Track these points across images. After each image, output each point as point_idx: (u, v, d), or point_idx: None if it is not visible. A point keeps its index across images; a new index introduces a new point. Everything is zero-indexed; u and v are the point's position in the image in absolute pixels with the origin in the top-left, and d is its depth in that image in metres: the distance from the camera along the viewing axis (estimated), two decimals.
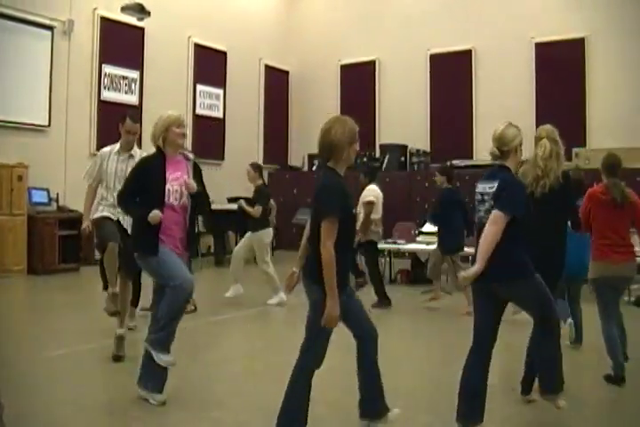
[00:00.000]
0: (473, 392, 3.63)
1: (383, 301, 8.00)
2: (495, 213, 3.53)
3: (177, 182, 4.26)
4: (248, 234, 8.17)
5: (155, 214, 4.10)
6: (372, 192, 8.19)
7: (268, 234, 8.19)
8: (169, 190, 4.23)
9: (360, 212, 7.79)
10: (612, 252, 4.73)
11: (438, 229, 8.04)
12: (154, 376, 4.19)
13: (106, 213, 5.47)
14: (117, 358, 5.16)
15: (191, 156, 4.61)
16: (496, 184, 3.63)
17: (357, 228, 7.34)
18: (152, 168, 4.26)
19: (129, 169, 5.08)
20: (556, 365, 3.81)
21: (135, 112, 5.62)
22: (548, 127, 4.36)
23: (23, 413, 3.71)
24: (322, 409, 4.05)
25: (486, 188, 3.70)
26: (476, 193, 3.81)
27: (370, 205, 8.01)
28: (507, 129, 3.72)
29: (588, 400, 4.45)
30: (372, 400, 3.60)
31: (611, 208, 4.75)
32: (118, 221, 5.44)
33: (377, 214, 8.15)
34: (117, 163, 5.51)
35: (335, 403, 4.21)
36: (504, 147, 3.70)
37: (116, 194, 4.98)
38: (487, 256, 3.48)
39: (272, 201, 8.89)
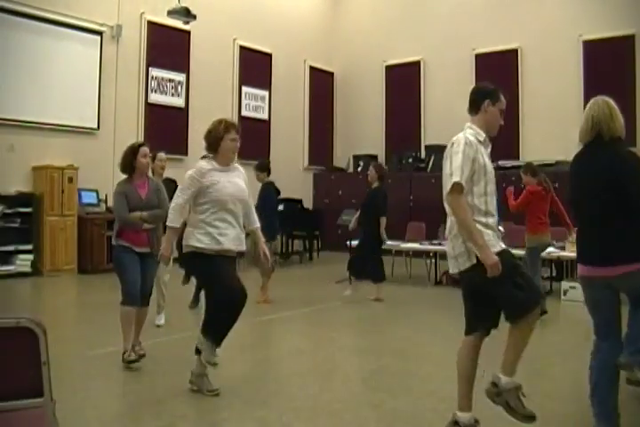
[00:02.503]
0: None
1: None
2: None
3: None
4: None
5: None
6: None
7: None
8: None
9: None
10: (545, 227, 7.13)
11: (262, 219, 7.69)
12: None
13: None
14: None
15: None
16: None
17: None
18: None
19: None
20: None
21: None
22: None
23: (72, 408, 3.78)
24: (367, 411, 4.04)
25: None
26: None
27: None
28: None
29: None
30: None
31: (542, 197, 7.07)
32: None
33: None
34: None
35: (381, 404, 4.19)
36: None
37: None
38: None
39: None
